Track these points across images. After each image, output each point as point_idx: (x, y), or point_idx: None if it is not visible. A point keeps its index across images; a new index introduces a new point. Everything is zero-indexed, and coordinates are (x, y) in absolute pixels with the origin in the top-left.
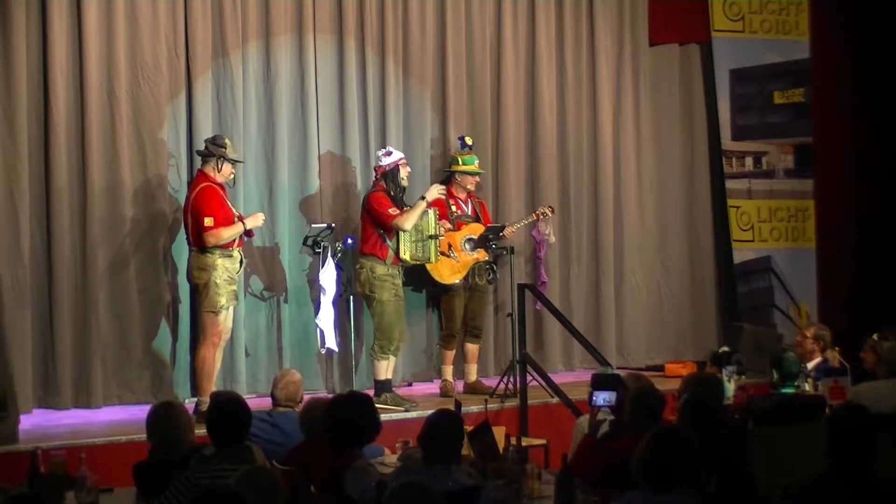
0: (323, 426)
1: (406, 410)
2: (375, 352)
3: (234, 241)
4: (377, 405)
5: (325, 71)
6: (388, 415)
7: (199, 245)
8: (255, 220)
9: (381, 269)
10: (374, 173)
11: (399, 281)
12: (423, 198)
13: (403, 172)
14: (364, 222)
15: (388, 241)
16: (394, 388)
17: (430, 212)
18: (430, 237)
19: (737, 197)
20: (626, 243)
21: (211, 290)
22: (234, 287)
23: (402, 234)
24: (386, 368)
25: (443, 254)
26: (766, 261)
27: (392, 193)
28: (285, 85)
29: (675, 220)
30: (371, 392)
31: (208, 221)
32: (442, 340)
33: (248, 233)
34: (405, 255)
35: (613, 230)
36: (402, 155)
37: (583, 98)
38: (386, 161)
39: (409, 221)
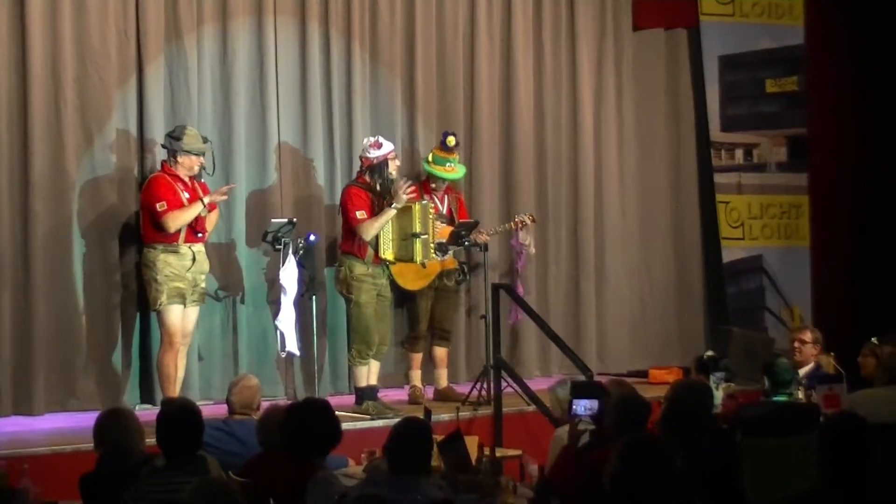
0: (280, 435)
1: (372, 419)
2: (353, 357)
3: (181, 235)
4: (356, 413)
5: (286, 56)
6: (353, 423)
7: (146, 240)
8: (213, 196)
9: (360, 269)
10: (360, 163)
11: (382, 280)
12: (390, 205)
13: (392, 167)
14: (342, 218)
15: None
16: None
17: (417, 206)
18: (413, 235)
19: (726, 192)
20: (607, 241)
21: (151, 287)
22: (180, 284)
23: (381, 231)
24: (367, 374)
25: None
26: (756, 260)
27: (377, 189)
28: (243, 70)
29: (660, 217)
30: (341, 399)
31: (160, 206)
32: (408, 343)
33: (198, 228)
34: (386, 254)
35: (594, 227)
36: (392, 147)
37: (562, 86)
38: (374, 154)
39: (371, 230)
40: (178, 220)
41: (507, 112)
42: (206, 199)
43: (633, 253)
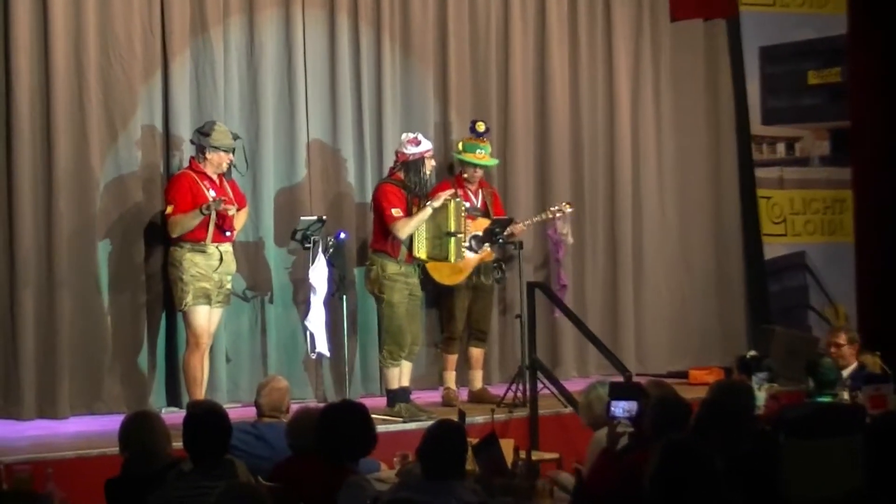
0: (312, 439)
1: (404, 422)
2: (384, 358)
3: (208, 234)
4: (387, 416)
5: (315, 49)
6: (386, 426)
7: (171, 239)
8: (216, 204)
9: (392, 268)
10: (395, 158)
11: (413, 279)
12: (428, 204)
13: (428, 166)
14: (374, 215)
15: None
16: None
17: (452, 204)
18: (448, 234)
19: (767, 187)
20: (645, 238)
21: (177, 287)
22: (206, 284)
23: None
24: (398, 376)
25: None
26: (799, 257)
27: (411, 187)
28: (271, 64)
29: (700, 213)
30: (372, 401)
31: (168, 209)
32: (442, 344)
33: (225, 227)
34: (420, 252)
35: (632, 224)
36: (430, 146)
37: (597, 80)
38: (411, 150)
39: (406, 229)
40: (176, 227)
41: (541, 105)
42: (205, 210)
43: (672, 249)
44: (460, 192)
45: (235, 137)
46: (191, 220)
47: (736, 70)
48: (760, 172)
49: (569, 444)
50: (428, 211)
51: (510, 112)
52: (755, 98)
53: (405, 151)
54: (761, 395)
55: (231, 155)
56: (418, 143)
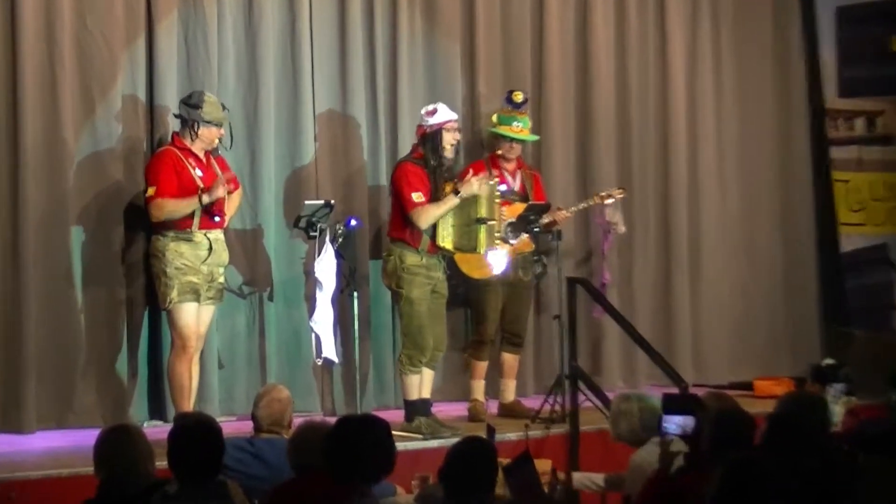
0: (318, 457)
1: (424, 439)
2: (403, 364)
3: (195, 220)
4: (405, 432)
5: (322, 10)
6: (403, 443)
7: (153, 226)
8: (213, 190)
9: (412, 259)
10: (416, 133)
11: (438, 273)
12: (456, 192)
13: (448, 139)
14: (393, 199)
15: None
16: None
17: (484, 186)
18: (478, 221)
19: (844, 169)
20: (703, 228)
21: (160, 282)
22: (194, 278)
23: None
24: (418, 385)
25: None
26: (881, 249)
27: (432, 164)
28: (272, 28)
29: (766, 199)
30: (387, 414)
31: (150, 191)
32: (471, 348)
33: (215, 212)
34: (444, 242)
35: (688, 212)
36: (452, 116)
37: (648, 46)
38: (428, 122)
39: (428, 218)
40: (164, 211)
41: (583, 78)
42: (205, 199)
43: (734, 242)
44: (495, 172)
45: (223, 109)
46: (183, 207)
47: (808, 35)
48: (836, 153)
49: (613, 463)
50: (454, 201)
51: (546, 86)
52: (830, 67)
53: (423, 124)
54: (837, 410)
55: (222, 129)
56: (435, 113)
